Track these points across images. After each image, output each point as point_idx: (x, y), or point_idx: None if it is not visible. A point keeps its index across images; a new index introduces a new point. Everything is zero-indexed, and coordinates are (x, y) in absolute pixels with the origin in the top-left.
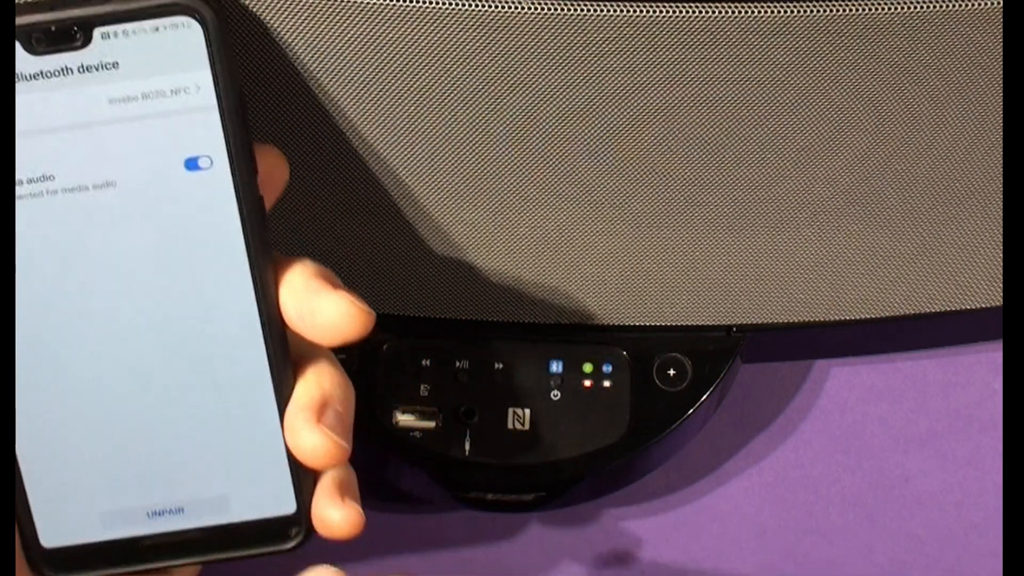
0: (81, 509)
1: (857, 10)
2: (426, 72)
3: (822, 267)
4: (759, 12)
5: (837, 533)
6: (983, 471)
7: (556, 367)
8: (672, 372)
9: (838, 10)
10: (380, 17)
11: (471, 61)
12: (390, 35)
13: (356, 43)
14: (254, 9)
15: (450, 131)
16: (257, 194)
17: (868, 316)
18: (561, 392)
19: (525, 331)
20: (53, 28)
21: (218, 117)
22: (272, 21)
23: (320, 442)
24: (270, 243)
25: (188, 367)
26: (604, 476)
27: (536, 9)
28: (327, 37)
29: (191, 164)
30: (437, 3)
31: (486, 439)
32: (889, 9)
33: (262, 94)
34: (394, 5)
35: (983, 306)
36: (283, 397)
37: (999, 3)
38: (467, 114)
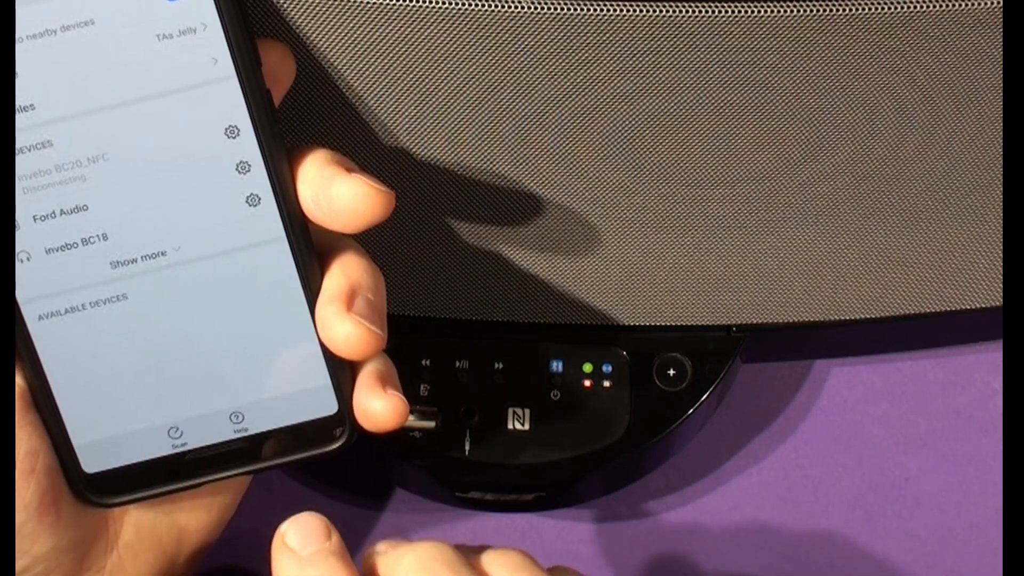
0: (119, 430)
1: (859, 10)
2: (427, 72)
3: (822, 267)
4: (761, 12)
5: (837, 533)
6: (983, 471)
7: (556, 367)
8: (672, 372)
9: (840, 10)
10: (384, 17)
11: (472, 61)
12: (393, 34)
13: (358, 42)
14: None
15: (449, 131)
16: (264, 88)
17: (868, 316)
18: (561, 392)
19: (525, 331)
20: None
21: (217, 18)
22: (275, 20)
23: (353, 330)
24: (282, 137)
25: (212, 274)
26: (604, 476)
27: (545, 9)
28: (329, 36)
29: None
30: (441, 3)
31: (486, 439)
32: (892, 9)
33: None
34: (399, 5)
35: (983, 306)
36: (313, 293)
37: (999, 3)
38: (467, 114)
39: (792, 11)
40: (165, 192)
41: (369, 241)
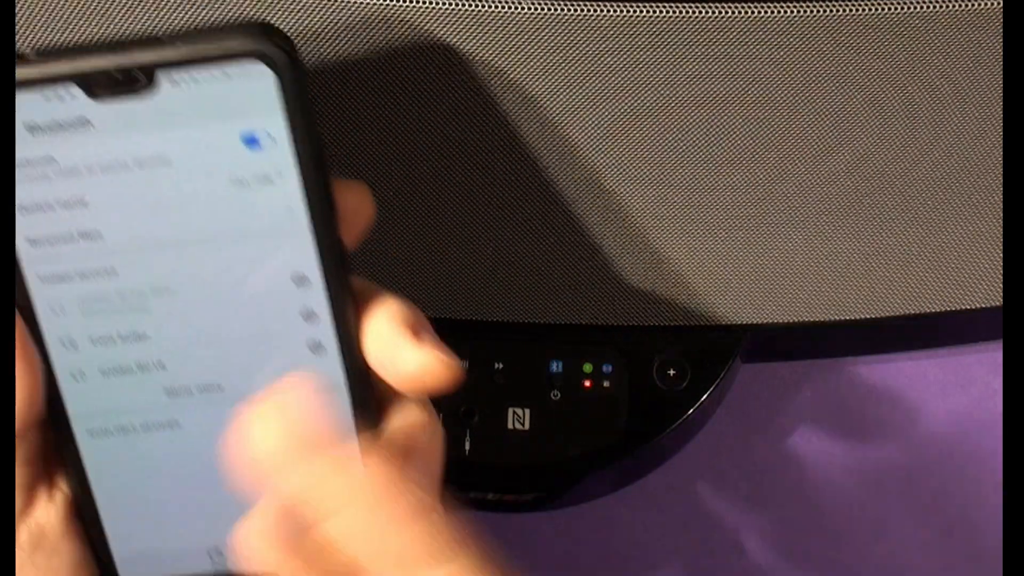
0: (160, 547)
1: (857, 11)
2: (422, 72)
3: (822, 267)
4: (759, 13)
5: (837, 533)
6: (983, 471)
7: (556, 367)
8: (672, 372)
9: (838, 11)
10: (378, 17)
11: (468, 60)
12: (389, 35)
13: (355, 43)
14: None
15: (447, 131)
16: (337, 238)
17: (868, 316)
18: (561, 392)
19: (525, 331)
20: (115, 74)
21: (295, 170)
22: (266, 17)
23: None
24: (351, 285)
25: None
26: (604, 476)
27: (534, 9)
28: (327, 36)
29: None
30: (436, 3)
31: (486, 439)
32: (889, 10)
33: None
34: (392, 6)
35: (983, 306)
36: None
37: (999, 4)
38: (464, 114)
39: (794, 12)
40: (227, 330)
41: (370, 242)
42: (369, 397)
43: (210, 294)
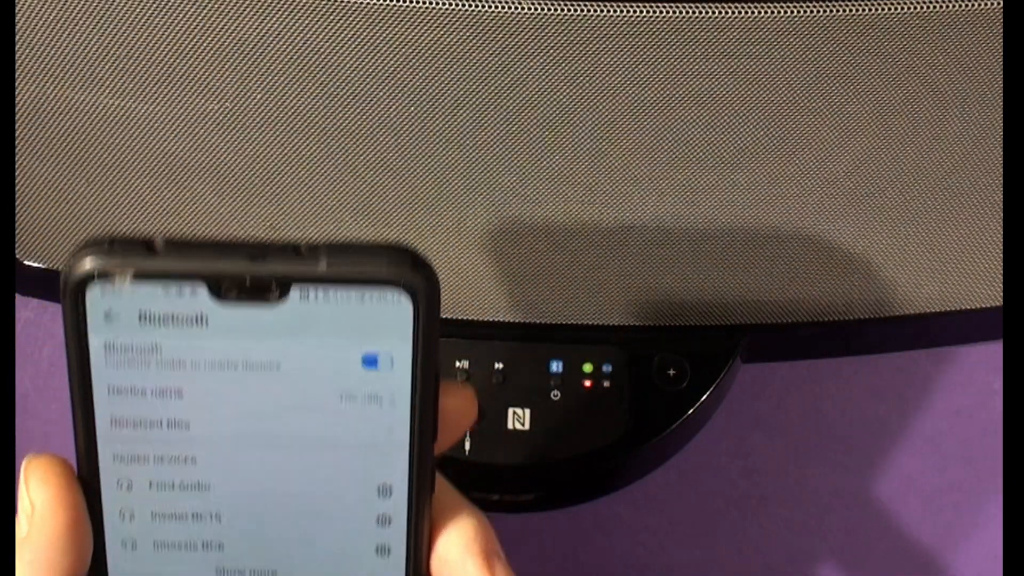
0: None
1: (857, 11)
2: (423, 72)
3: (822, 267)
4: (759, 13)
5: (837, 533)
6: (983, 471)
7: (556, 367)
8: (672, 372)
9: (838, 11)
10: (379, 17)
11: (468, 61)
12: (387, 35)
13: (353, 43)
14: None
15: (447, 131)
16: (432, 457)
17: (868, 316)
18: (561, 392)
19: (525, 331)
20: (248, 282)
21: (408, 396)
22: (265, 16)
23: None
24: (432, 493)
25: None
26: (604, 476)
27: (534, 9)
28: (324, 37)
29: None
30: (435, 3)
31: (486, 439)
32: (889, 10)
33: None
34: (392, 5)
35: (983, 306)
36: None
37: (999, 4)
38: (465, 114)
39: (794, 12)
40: (296, 524)
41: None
42: None
43: (288, 492)
